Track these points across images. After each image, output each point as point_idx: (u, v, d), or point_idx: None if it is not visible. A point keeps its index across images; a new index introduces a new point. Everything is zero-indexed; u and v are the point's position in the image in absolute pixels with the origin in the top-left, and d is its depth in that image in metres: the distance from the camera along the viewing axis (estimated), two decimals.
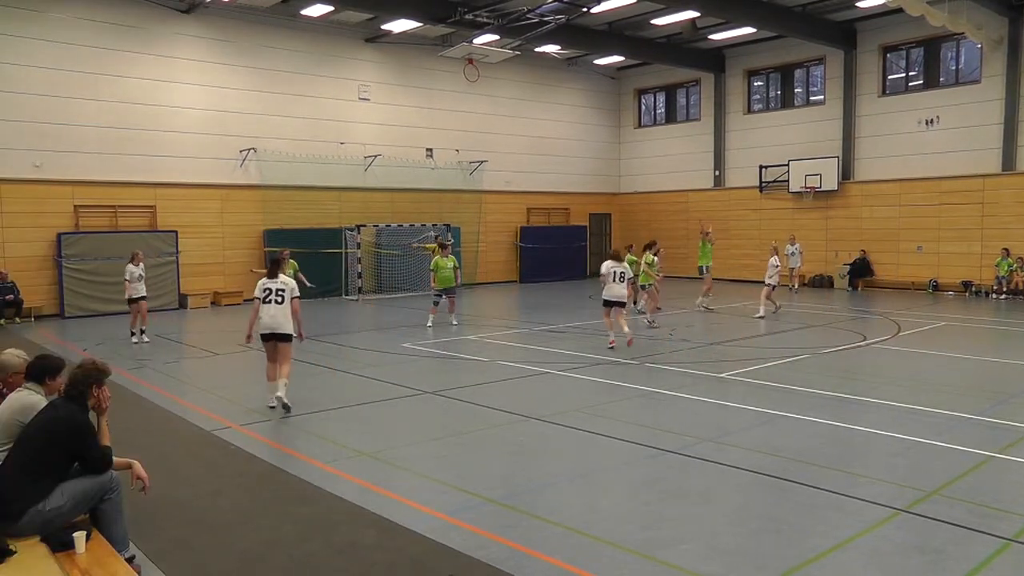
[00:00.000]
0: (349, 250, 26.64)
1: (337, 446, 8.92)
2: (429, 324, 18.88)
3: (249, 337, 10.77)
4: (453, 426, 9.81)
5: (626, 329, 15.39)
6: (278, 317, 10.48)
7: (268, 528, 6.48)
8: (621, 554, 5.95)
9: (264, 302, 10.50)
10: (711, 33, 28.97)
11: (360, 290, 26.31)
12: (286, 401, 10.27)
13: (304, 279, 18.25)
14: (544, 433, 9.45)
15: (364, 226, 27.07)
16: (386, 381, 12.36)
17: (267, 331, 10.53)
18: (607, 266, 15.82)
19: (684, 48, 31.25)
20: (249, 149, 25.41)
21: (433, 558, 5.86)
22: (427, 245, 26.71)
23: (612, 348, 15.19)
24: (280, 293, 10.50)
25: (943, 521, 6.55)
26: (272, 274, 10.71)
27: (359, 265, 26.43)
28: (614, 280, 15.62)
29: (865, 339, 16.88)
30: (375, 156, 27.96)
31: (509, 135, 32.21)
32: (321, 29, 26.77)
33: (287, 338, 10.55)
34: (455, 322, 19.31)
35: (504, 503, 6.97)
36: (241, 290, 24.85)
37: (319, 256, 25.69)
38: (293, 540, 6.21)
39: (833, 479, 7.65)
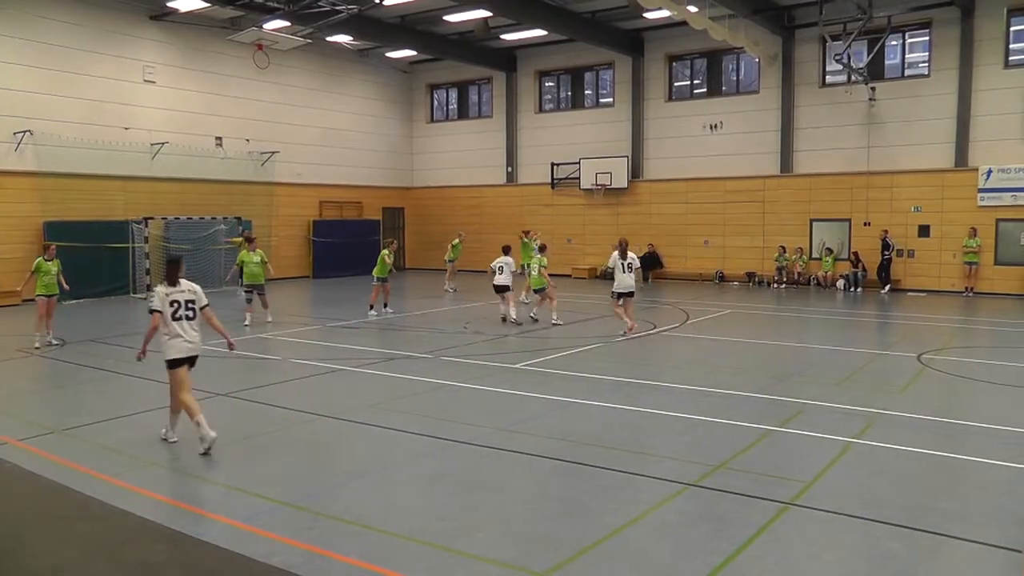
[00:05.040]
0: (136, 244, 25.24)
1: (125, 457, 8.56)
2: (246, 323, 18.11)
3: (143, 354, 8.96)
4: (245, 429, 9.66)
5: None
6: (197, 336, 8.84)
7: (50, 553, 6.15)
8: (417, 547, 6.13)
9: (175, 319, 8.65)
10: (503, 33, 29.63)
11: (149, 287, 24.99)
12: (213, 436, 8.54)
13: (64, 281, 16.57)
14: (338, 431, 9.51)
15: (152, 219, 25.76)
16: None
17: (187, 355, 8.78)
18: (614, 258, 16.43)
19: (476, 46, 31.80)
20: (24, 131, 23.43)
21: (226, 569, 5.82)
22: (234, 239, 25.97)
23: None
24: (191, 306, 8.76)
25: (728, 492, 7.24)
26: (172, 279, 8.77)
27: (147, 261, 25.15)
28: (623, 271, 16.34)
29: (655, 327, 17.99)
30: (162, 143, 26.62)
31: (300, 126, 31.57)
32: (101, 1, 25.16)
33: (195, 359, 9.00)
34: (270, 318, 18.57)
35: (298, 505, 6.99)
36: (18, 289, 22.74)
37: (105, 251, 24.21)
38: (78, 563, 5.93)
39: (624, 460, 8.21)
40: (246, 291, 18.65)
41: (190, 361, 8.83)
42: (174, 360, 8.70)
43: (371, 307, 19.90)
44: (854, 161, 26.61)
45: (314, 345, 15.84)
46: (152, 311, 8.67)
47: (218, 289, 26.01)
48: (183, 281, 8.83)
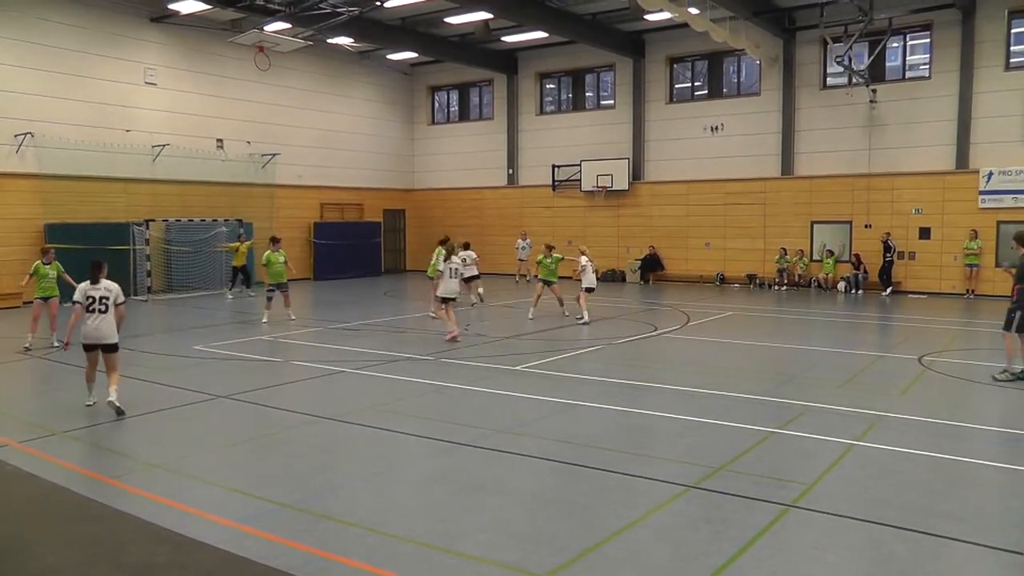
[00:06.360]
0: (137, 247, 25.22)
1: (125, 459, 8.59)
2: (264, 320, 18.89)
3: (68, 344, 11.02)
4: (246, 431, 9.69)
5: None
6: (103, 327, 10.13)
7: (50, 554, 6.09)
8: (419, 549, 6.11)
9: (87, 310, 10.10)
10: (504, 35, 29.68)
11: (150, 290, 25.05)
12: (118, 404, 10.03)
13: (71, 280, 16.81)
14: (339, 433, 9.51)
15: (153, 220, 25.76)
16: (176, 387, 11.97)
17: (91, 342, 10.19)
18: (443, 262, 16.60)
19: (477, 48, 31.84)
20: (25, 134, 23.44)
21: (227, 570, 5.80)
22: (231, 244, 26.05)
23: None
24: (104, 301, 10.12)
25: (729, 493, 7.22)
26: (94, 278, 10.21)
27: (148, 263, 25.14)
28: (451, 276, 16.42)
29: (656, 329, 18.00)
30: (163, 145, 26.65)
31: (301, 128, 31.63)
32: (102, 4, 25.20)
33: (114, 347, 10.27)
34: (292, 316, 19.29)
35: (299, 507, 6.97)
36: (19, 291, 22.52)
37: (105, 253, 24.02)
38: (79, 565, 5.90)
39: (625, 462, 8.20)
40: (269, 290, 19.38)
41: (103, 347, 10.20)
42: (83, 345, 10.29)
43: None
44: (855, 163, 26.62)
45: (315, 347, 15.82)
46: (74, 302, 10.31)
47: (218, 291, 26.14)
48: (103, 280, 10.24)
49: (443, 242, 20.60)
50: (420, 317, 20.33)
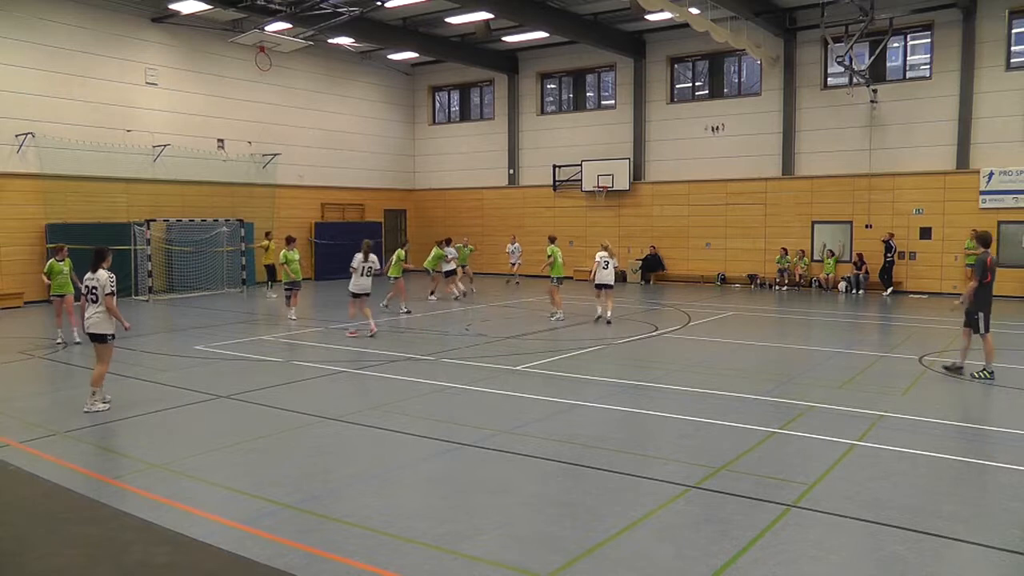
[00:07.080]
0: (139, 247, 25.21)
1: (127, 459, 8.59)
2: (292, 317, 19.54)
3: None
4: (247, 431, 9.67)
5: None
6: (92, 317, 10.37)
7: (50, 555, 6.07)
8: (421, 550, 6.11)
9: (88, 301, 10.44)
10: (505, 35, 29.69)
11: (151, 289, 25.03)
12: (94, 410, 10.33)
13: (76, 281, 16.93)
14: (341, 434, 9.49)
15: (154, 221, 25.73)
16: (178, 386, 11.97)
17: (86, 330, 10.54)
18: (358, 259, 17.08)
19: (478, 48, 31.85)
20: (26, 134, 23.44)
21: (229, 571, 5.80)
22: (261, 243, 26.19)
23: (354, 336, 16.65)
24: (94, 291, 10.33)
25: (731, 494, 7.22)
26: (93, 267, 10.44)
27: (149, 263, 25.13)
28: (363, 274, 17.05)
29: (657, 329, 17.99)
30: (164, 146, 26.68)
31: (302, 128, 31.65)
32: (103, 4, 25.20)
33: (101, 339, 10.44)
34: (294, 317, 19.64)
35: (301, 508, 6.97)
36: (21, 291, 22.76)
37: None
38: (79, 565, 5.88)
39: (627, 462, 8.21)
40: (287, 288, 19.85)
41: (94, 337, 10.42)
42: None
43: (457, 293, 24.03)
44: (856, 163, 26.61)
45: (316, 347, 15.83)
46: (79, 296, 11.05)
47: (220, 291, 26.15)
48: (101, 270, 10.35)
49: (402, 245, 22.80)
50: (420, 317, 20.33)
